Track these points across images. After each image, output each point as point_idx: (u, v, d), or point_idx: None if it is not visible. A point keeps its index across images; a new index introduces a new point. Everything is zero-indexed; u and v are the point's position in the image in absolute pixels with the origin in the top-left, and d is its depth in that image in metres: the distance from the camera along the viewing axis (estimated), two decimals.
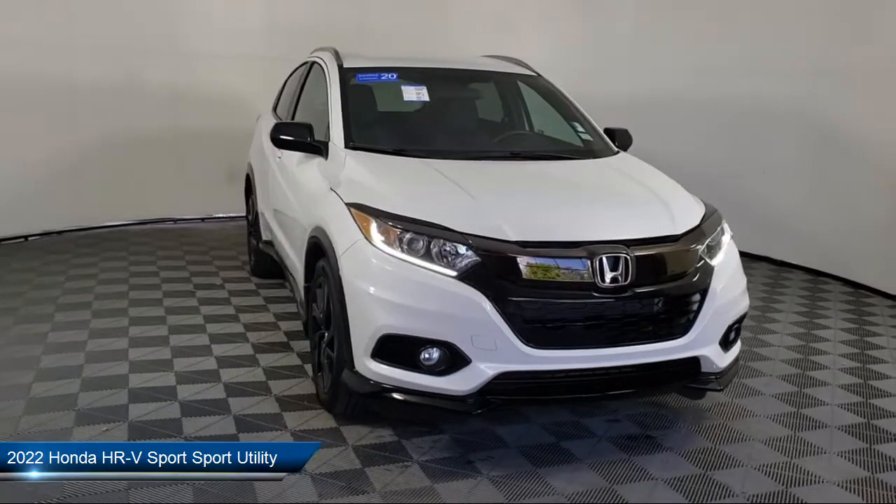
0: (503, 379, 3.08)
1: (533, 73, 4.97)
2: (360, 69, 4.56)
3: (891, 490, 3.24)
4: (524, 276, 3.09)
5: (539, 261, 3.11)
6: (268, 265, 5.93)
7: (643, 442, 3.55)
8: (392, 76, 4.54)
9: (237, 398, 3.84)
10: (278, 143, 4.21)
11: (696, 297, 3.31)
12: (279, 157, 4.89)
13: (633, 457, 3.41)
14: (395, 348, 3.15)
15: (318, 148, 4.13)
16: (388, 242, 3.21)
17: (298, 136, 4.14)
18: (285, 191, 4.63)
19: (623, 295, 3.13)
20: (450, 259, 3.13)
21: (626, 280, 3.14)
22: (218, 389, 3.95)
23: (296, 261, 4.34)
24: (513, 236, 3.14)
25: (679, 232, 3.38)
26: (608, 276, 3.11)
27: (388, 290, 3.15)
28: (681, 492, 3.14)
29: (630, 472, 3.27)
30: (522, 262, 3.09)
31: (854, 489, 3.23)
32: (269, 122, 5.67)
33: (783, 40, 6.80)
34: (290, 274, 4.65)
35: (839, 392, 4.24)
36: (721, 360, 3.41)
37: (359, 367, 3.27)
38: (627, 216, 3.44)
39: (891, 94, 6.06)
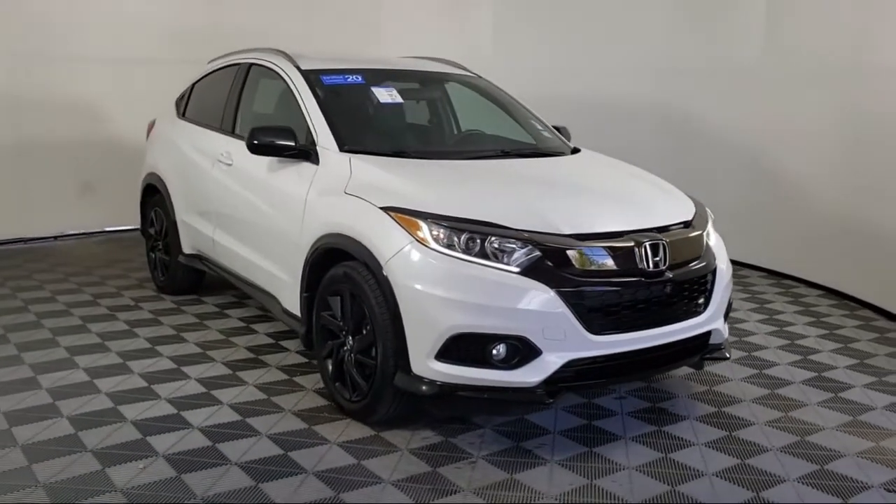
0: (569, 366, 3.22)
1: (476, 76, 5.13)
2: (323, 71, 4.46)
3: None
4: (581, 267, 3.25)
5: (593, 252, 3.29)
6: (187, 280, 5.60)
7: (660, 414, 3.85)
8: (358, 78, 4.49)
9: (254, 418, 3.65)
10: (258, 149, 4.03)
11: (709, 276, 3.66)
12: (229, 164, 4.64)
13: (662, 427, 3.69)
14: (463, 347, 3.19)
15: (306, 153, 4.00)
16: (443, 243, 3.23)
17: (283, 141, 3.99)
18: (249, 199, 4.42)
19: (663, 278, 3.39)
20: (507, 256, 3.22)
21: (664, 264, 3.40)
22: (227, 412, 3.72)
23: (279, 271, 4.17)
24: (566, 230, 3.30)
25: (690, 218, 3.72)
26: (651, 261, 3.36)
27: (453, 290, 3.17)
28: (724, 452, 3.46)
29: (671, 442, 3.55)
30: (578, 253, 3.26)
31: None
32: (184, 128, 5.39)
33: (643, 42, 7.48)
34: (259, 286, 4.45)
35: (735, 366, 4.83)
36: (725, 331, 3.79)
37: (419, 369, 3.26)
38: (650, 206, 3.71)
39: (737, 89, 6.87)
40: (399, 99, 4.43)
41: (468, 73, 5.12)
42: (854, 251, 5.89)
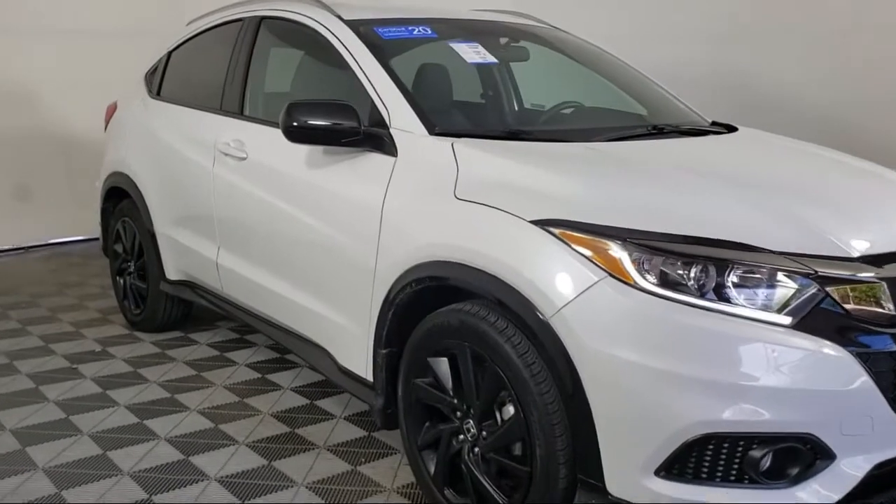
0: (878, 470, 1.98)
1: (561, 31, 3.83)
2: (377, 22, 3.12)
3: None
4: (886, 311, 2.01)
5: None
6: (171, 314, 4.21)
7: None
8: (426, 30, 3.16)
9: None
10: (300, 134, 2.69)
11: None
12: (241, 158, 3.27)
13: None
14: (704, 455, 1.92)
15: (375, 140, 2.68)
16: (660, 279, 1.96)
17: (342, 121, 2.65)
18: (277, 206, 3.05)
19: None
20: (766, 297, 1.96)
21: None
22: None
23: (333, 313, 2.85)
24: (854, 250, 2.05)
25: None
26: None
27: (691, 360, 1.91)
28: None
29: None
30: (883, 289, 2.01)
31: None
32: (162, 111, 4.01)
33: None
34: (298, 332, 3.10)
35: None
36: None
37: (621, 489, 1.99)
38: None
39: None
40: (491, 58, 3.12)
41: (549, 27, 3.81)
42: None
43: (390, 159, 2.63)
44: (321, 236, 2.84)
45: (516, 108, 3.67)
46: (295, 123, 2.67)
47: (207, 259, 3.59)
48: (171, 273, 3.96)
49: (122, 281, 4.44)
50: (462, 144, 2.50)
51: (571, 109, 3.47)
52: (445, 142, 2.53)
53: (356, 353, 2.76)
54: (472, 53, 3.03)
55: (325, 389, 3.52)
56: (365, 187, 2.67)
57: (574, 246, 2.04)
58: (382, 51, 2.92)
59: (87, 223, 5.36)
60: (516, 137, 2.64)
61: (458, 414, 2.38)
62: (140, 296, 4.29)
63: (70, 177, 6.23)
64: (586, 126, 3.06)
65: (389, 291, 2.53)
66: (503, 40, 3.41)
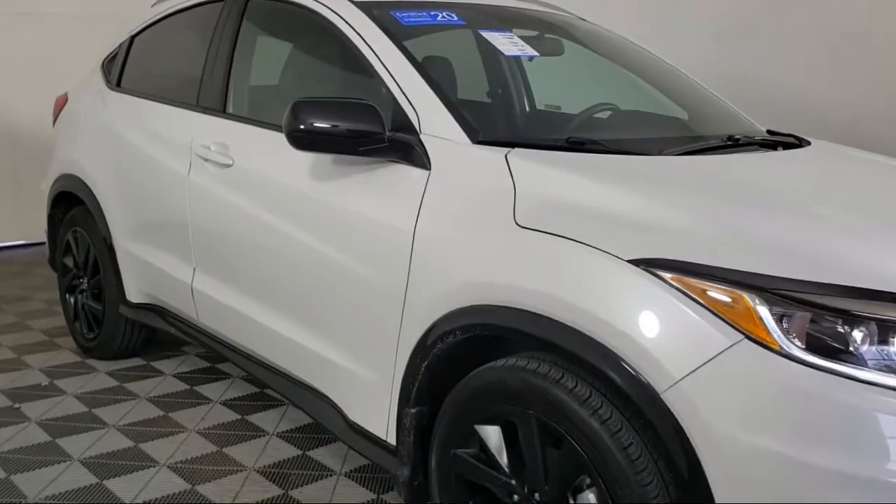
0: None
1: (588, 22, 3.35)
2: (395, 5, 2.60)
3: None
4: None
5: None
6: (130, 339, 3.64)
7: None
8: (451, 16, 2.64)
9: None
10: (309, 141, 2.16)
11: None
12: (225, 164, 2.72)
13: None
14: None
15: (402, 148, 2.16)
16: (813, 343, 1.50)
17: (363, 125, 2.13)
18: (273, 226, 2.51)
19: None
20: None
21: None
22: None
23: (345, 359, 2.33)
24: None
25: None
26: None
27: (862, 456, 1.45)
28: None
29: None
30: None
31: None
32: (122, 104, 3.46)
33: None
34: (297, 377, 2.57)
35: None
36: None
37: None
38: None
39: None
40: (531, 51, 2.62)
41: (576, 18, 3.33)
42: None
43: (421, 173, 2.13)
44: (330, 264, 2.31)
45: (538, 110, 3.19)
46: (302, 126, 2.14)
47: (180, 282, 3.03)
48: (133, 295, 3.39)
49: (72, 300, 3.84)
50: (519, 157, 2.00)
51: (608, 113, 2.99)
52: (495, 153, 2.03)
53: (373, 408, 2.25)
54: (510, 45, 2.53)
55: (319, 436, 3.00)
56: (389, 206, 2.16)
57: (695, 296, 1.56)
58: (404, 41, 2.41)
59: (30, 225, 4.73)
60: (577, 148, 2.14)
61: (517, 498, 1.89)
62: (94, 318, 3.69)
63: (11, 173, 5.56)
64: (647, 135, 2.57)
65: (425, 338, 2.03)
66: (534, 32, 2.91)
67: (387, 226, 2.15)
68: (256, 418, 3.17)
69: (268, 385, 2.93)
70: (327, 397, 2.43)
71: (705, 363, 1.52)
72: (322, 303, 2.39)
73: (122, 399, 3.32)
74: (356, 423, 2.32)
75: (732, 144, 2.42)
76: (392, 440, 2.20)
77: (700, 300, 1.55)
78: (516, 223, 1.87)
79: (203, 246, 2.89)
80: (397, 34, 2.43)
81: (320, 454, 2.89)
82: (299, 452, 2.90)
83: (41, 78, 4.75)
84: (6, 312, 4.43)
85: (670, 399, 1.55)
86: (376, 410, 2.23)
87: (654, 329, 1.58)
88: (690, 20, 4.94)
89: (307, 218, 2.40)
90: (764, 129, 2.91)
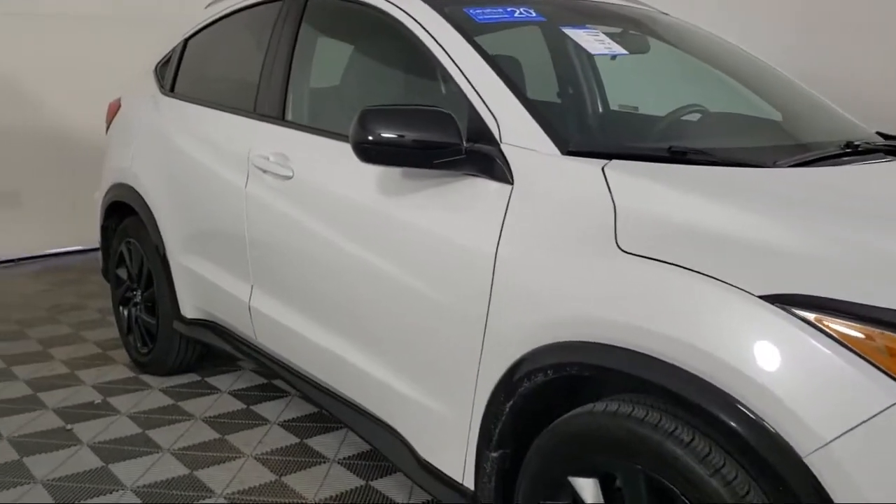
0: None
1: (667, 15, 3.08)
2: (464, 1, 2.38)
3: None
4: None
5: None
6: (185, 355, 3.50)
7: None
8: (529, 12, 2.41)
9: None
10: (376, 153, 1.96)
11: None
12: (284, 176, 2.54)
13: None
14: None
15: (482, 161, 1.94)
16: None
17: (438, 137, 1.92)
18: (338, 245, 2.32)
19: None
20: None
21: None
22: None
23: (417, 392, 2.12)
24: None
25: None
26: None
27: None
28: None
29: None
30: None
31: None
32: (177, 110, 3.33)
33: None
34: (363, 407, 2.37)
35: None
36: None
37: None
38: None
39: None
40: (619, 49, 2.37)
41: (658, 12, 3.07)
42: None
43: (503, 188, 1.91)
44: (401, 287, 2.11)
45: (627, 113, 2.94)
46: (371, 138, 1.94)
47: (237, 299, 2.86)
48: (188, 310, 3.24)
49: (125, 312, 3.71)
50: (618, 170, 1.76)
51: (698, 115, 2.72)
52: (590, 165, 1.80)
53: (448, 446, 2.04)
54: (597, 44, 2.29)
55: (381, 464, 2.80)
56: (466, 225, 1.95)
57: (845, 342, 1.31)
58: (480, 41, 2.19)
59: (85, 232, 4.65)
60: (680, 159, 1.90)
61: None
62: (148, 332, 3.56)
63: (67, 180, 5.50)
64: (747, 142, 2.30)
65: (510, 374, 1.81)
66: (618, 28, 2.66)
67: (464, 247, 1.93)
68: (315, 442, 2.99)
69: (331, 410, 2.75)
70: (395, 430, 2.22)
71: (861, 423, 1.27)
72: (390, 329, 2.18)
73: (176, 420, 3.18)
74: (428, 462, 2.11)
75: (851, 152, 2.14)
76: (470, 484, 1.98)
77: (852, 346, 1.30)
78: (619, 247, 1.63)
79: (261, 262, 2.71)
80: (471, 33, 2.21)
81: (384, 485, 2.69)
82: (362, 483, 2.71)
83: (99, 85, 4.67)
84: (61, 323, 4.34)
85: (816, 463, 1.30)
86: (451, 449, 2.02)
87: (797, 380, 1.34)
88: (774, 7, 4.58)
89: (373, 235, 2.20)
90: (873, 132, 2.62)
